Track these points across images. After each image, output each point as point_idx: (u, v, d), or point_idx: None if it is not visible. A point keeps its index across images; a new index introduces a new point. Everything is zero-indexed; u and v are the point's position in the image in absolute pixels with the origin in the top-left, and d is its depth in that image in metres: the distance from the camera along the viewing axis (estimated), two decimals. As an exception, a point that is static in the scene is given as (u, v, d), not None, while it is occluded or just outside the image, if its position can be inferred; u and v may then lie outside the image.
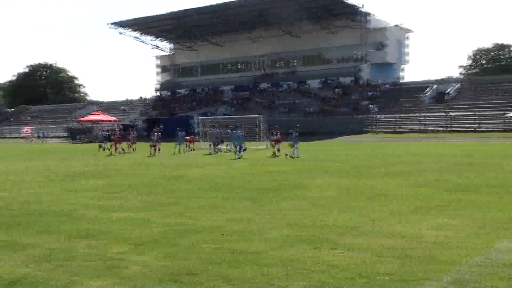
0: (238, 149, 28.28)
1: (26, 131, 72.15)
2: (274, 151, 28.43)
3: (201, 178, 18.12)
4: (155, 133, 32.63)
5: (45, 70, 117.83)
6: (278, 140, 28.37)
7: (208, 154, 31.49)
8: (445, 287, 6.08)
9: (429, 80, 62.66)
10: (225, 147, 33.79)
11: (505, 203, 11.34)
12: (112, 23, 75.26)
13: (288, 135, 27.72)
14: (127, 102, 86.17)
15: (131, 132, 37.78)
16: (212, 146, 33.32)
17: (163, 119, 64.83)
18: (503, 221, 9.50)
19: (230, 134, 29.83)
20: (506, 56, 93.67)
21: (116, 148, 34.47)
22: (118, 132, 37.46)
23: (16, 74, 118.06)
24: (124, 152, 34.07)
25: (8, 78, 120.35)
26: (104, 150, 36.33)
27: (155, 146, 32.21)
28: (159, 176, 18.94)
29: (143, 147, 37.09)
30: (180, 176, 18.97)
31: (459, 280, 6.25)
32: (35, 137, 67.01)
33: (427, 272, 6.61)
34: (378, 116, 53.93)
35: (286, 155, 26.79)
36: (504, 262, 6.90)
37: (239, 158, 27.10)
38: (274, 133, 29.06)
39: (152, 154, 31.35)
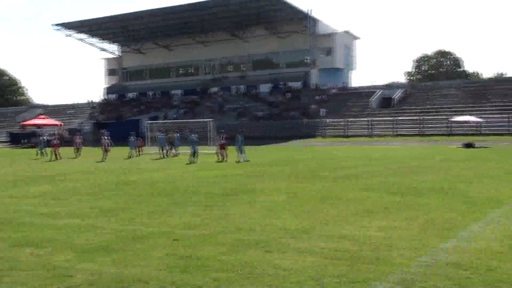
0: (192, 153, 28.07)
1: None
2: (218, 155, 28.00)
3: (151, 183, 17.89)
4: (106, 137, 31.98)
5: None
6: (224, 145, 27.91)
7: (157, 159, 31.11)
8: (392, 287, 6.24)
9: (376, 85, 64.29)
10: (174, 151, 33.52)
11: (447, 205, 11.75)
12: (57, 25, 73.25)
13: (235, 139, 27.73)
14: (73, 106, 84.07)
15: (77, 136, 36.65)
16: (161, 151, 33.01)
17: (111, 123, 63.72)
18: (445, 222, 9.84)
19: (189, 138, 29.40)
20: (448, 62, 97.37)
21: (55, 154, 33.18)
22: (57, 137, 35.87)
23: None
24: (60, 159, 32.53)
25: None
26: (42, 155, 35.03)
27: (106, 150, 31.63)
28: (107, 182, 18.57)
29: (90, 152, 36.35)
30: (129, 181, 18.66)
31: (405, 280, 6.43)
32: None
33: (375, 273, 6.76)
34: (327, 120, 54.83)
35: (236, 161, 26.63)
36: (448, 262, 7.15)
37: (193, 162, 26.94)
38: (221, 137, 28.70)
39: (104, 159, 30.68)
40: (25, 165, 28.05)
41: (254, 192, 14.73)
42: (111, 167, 25.49)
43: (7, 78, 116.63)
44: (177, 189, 15.89)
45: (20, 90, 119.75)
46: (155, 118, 59.36)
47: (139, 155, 33.86)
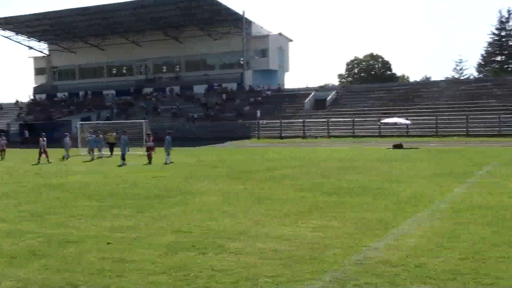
0: (122, 155, 27.45)
1: None
2: (147, 158, 27.05)
3: (81, 185, 17.38)
4: (43, 139, 30.31)
5: None
6: (151, 147, 27.12)
7: (88, 161, 30.24)
8: (326, 286, 6.38)
9: (310, 87, 65.57)
10: (97, 153, 32.70)
11: (379, 204, 12.16)
12: (-20, 21, 69.72)
13: (164, 140, 27.39)
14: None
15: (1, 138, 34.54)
16: (91, 152, 32.22)
17: (40, 124, 61.31)
18: (377, 221, 10.17)
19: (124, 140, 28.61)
20: (379, 65, 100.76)
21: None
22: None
23: None
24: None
25: None
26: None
27: (44, 152, 30.00)
28: (36, 185, 17.87)
29: (15, 154, 34.87)
30: (58, 184, 18.05)
31: (338, 279, 6.59)
32: None
33: (309, 272, 6.89)
34: (262, 121, 55.30)
35: (164, 163, 26.18)
36: (378, 260, 7.39)
37: (123, 165, 26.33)
38: (148, 139, 27.94)
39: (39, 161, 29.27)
40: None
41: (188, 194, 14.63)
42: (39, 169, 24.56)
43: None
44: (109, 192, 15.53)
45: None
46: (87, 119, 57.77)
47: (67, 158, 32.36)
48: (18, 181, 19.14)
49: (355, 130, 50.33)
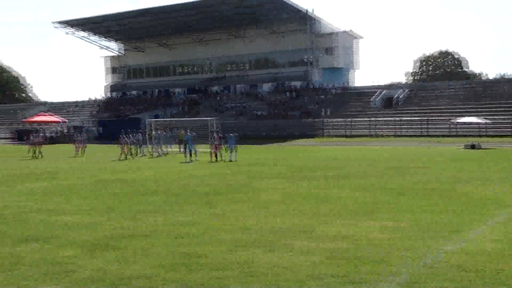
0: (189, 152, 28.09)
1: None
2: (211, 156, 27.12)
3: (149, 181, 17.94)
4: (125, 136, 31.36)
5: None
6: (218, 145, 27.22)
7: (157, 157, 31.15)
8: None
9: (378, 85, 64.26)
10: (162, 150, 33.44)
11: (449, 206, 11.75)
12: (58, 22, 73.23)
13: (226, 138, 27.65)
14: (76, 104, 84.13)
15: (79, 134, 36.22)
16: (160, 149, 33.06)
17: (111, 120, 63.76)
18: (448, 223, 9.86)
19: (185, 137, 29.25)
20: (450, 63, 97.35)
21: (35, 152, 32.23)
22: (39, 135, 34.88)
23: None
24: (41, 157, 31.52)
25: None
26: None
27: (124, 148, 31.10)
28: (105, 179, 18.62)
29: (90, 150, 36.33)
30: (127, 179, 18.72)
31: (407, 282, 6.46)
32: None
33: (377, 273, 6.80)
34: (328, 120, 54.83)
35: (227, 160, 26.51)
36: (450, 264, 7.17)
37: (191, 161, 26.95)
38: (215, 137, 28.13)
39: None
40: (24, 162, 28.09)
41: (253, 191, 14.78)
42: (108, 165, 25.53)
43: (10, 75, 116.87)
44: (176, 188, 15.94)
45: (22, 87, 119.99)
46: (156, 116, 59.39)
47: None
48: (86, 176, 19.98)
49: (426, 130, 48.88)
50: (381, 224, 9.83)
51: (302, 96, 63.95)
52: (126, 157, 29.87)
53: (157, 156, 31.62)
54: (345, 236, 8.91)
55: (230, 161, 26.28)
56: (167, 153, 33.33)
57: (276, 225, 9.90)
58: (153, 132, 34.14)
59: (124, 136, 30.93)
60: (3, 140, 65.91)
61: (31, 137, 33.87)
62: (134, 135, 33.42)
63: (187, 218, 10.75)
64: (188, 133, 29.48)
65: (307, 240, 8.66)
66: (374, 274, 6.78)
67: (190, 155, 27.99)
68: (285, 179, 17.91)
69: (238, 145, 27.85)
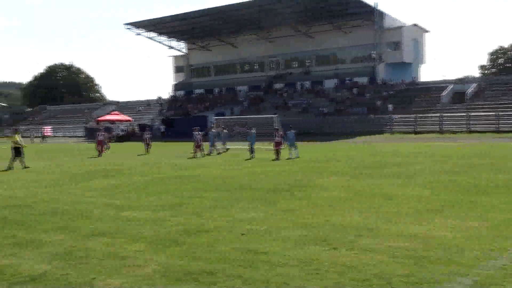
0: (250, 149, 28.25)
1: (46, 130, 72.64)
2: (275, 153, 26.89)
3: (212, 178, 18.16)
4: (198, 133, 31.80)
5: (62, 70, 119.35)
6: (280, 142, 27.00)
7: (219, 154, 31.58)
8: (464, 289, 6.03)
9: (447, 79, 62.16)
10: (220, 147, 33.71)
11: (523, 205, 11.20)
12: (128, 24, 75.89)
13: (285, 136, 27.46)
14: (143, 103, 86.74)
15: (145, 132, 37.14)
16: (221, 146, 33.39)
17: (178, 119, 65.22)
18: (521, 222, 9.39)
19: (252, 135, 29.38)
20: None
21: (100, 150, 33.00)
22: (103, 132, 35.13)
23: (36, 75, 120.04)
24: (106, 152, 32.29)
25: (30, 79, 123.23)
26: (107, 149, 35.64)
27: (198, 146, 31.74)
28: (170, 176, 19.01)
29: (157, 147, 37.23)
30: (190, 176, 19.04)
31: (480, 283, 6.18)
32: (41, 137, 65.78)
33: (446, 274, 6.55)
34: (395, 116, 53.61)
35: (288, 158, 26.39)
36: (524, 264, 6.82)
37: (251, 158, 27.14)
38: (277, 134, 27.78)
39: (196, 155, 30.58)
40: (93, 160, 29.20)
41: (315, 188, 14.65)
42: (172, 162, 26.07)
43: (83, 76, 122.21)
44: (238, 184, 16.05)
45: (95, 87, 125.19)
46: (221, 114, 60.18)
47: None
48: (152, 173, 20.49)
49: (500, 125, 46.73)
50: (449, 223, 9.48)
51: (368, 92, 62.88)
52: (196, 154, 30.05)
53: (218, 153, 32.01)
54: (411, 235, 8.65)
55: (290, 158, 26.19)
56: (227, 150, 33.55)
57: (339, 222, 9.77)
58: (214, 130, 34.49)
59: (199, 132, 31.10)
60: (77, 139, 69.03)
61: (97, 136, 34.60)
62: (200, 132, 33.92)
63: (249, 215, 10.79)
64: (253, 130, 29.64)
65: (371, 238, 8.48)
66: (442, 274, 6.54)
67: (252, 152, 28.18)
68: (349, 176, 17.64)
69: (297, 142, 27.61)
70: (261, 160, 25.79)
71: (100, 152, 32.73)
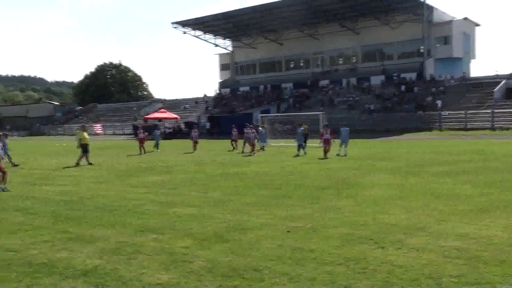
0: (298, 146, 28.12)
1: (98, 128, 74.56)
2: (323, 151, 26.14)
3: (257, 175, 18.20)
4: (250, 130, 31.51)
5: (112, 69, 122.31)
6: (328, 140, 26.13)
7: (258, 150, 31.62)
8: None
9: (500, 74, 60.15)
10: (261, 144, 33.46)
11: None
12: (175, 23, 76.98)
13: (339, 133, 27.11)
14: (190, 100, 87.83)
15: (192, 130, 37.13)
16: (264, 143, 33.36)
17: (224, 116, 65.67)
18: None
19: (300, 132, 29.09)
20: None
21: (140, 148, 32.75)
22: (142, 130, 34.71)
23: (87, 74, 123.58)
24: (144, 153, 32.13)
25: (81, 78, 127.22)
26: (157, 148, 35.69)
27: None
28: (215, 174, 19.16)
29: (204, 145, 37.57)
30: (236, 173, 19.15)
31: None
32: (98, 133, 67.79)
33: (499, 275, 6.35)
34: (444, 112, 52.29)
35: (336, 154, 26.11)
36: None
37: (298, 155, 27.03)
38: (325, 132, 26.93)
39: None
40: (142, 157, 29.77)
41: (361, 186, 14.49)
42: (218, 159, 26.25)
43: (131, 74, 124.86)
44: (283, 182, 16.03)
45: (143, 85, 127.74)
46: (266, 111, 60.23)
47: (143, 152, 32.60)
48: (199, 170, 20.68)
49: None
50: (502, 223, 9.17)
51: (416, 89, 61.57)
52: (245, 150, 30.10)
53: (262, 150, 31.97)
54: (462, 234, 8.42)
55: (339, 154, 25.92)
56: (263, 149, 33.25)
57: (387, 221, 9.61)
58: (260, 128, 34.34)
59: (251, 130, 31.02)
60: (125, 136, 70.60)
61: (138, 133, 34.74)
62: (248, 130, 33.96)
63: (295, 212, 10.76)
64: (301, 128, 29.28)
65: (421, 237, 8.31)
66: (496, 275, 6.33)
67: (299, 149, 28.00)
68: (397, 174, 17.35)
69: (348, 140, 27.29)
70: (308, 158, 25.67)
71: (142, 150, 32.62)
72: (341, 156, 25.69)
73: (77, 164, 24.06)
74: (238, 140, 33.98)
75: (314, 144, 31.12)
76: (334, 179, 16.47)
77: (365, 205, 11.43)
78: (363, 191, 13.59)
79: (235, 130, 34.72)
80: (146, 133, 34.54)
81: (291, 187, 14.81)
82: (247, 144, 31.61)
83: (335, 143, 27.16)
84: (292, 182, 15.99)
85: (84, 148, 24.57)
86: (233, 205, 11.83)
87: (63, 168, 23.17)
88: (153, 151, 33.94)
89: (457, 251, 7.46)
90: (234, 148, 33.36)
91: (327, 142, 26.08)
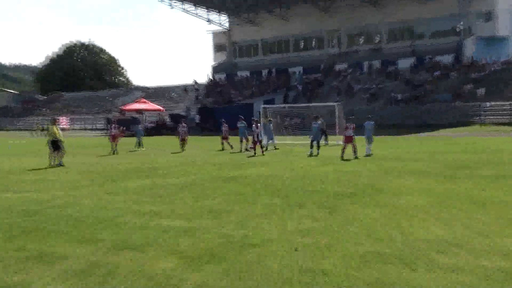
0: (312, 143, 27.97)
1: (64, 122, 74.66)
2: (343, 150, 25.94)
3: (261, 179, 18.21)
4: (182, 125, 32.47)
5: (81, 50, 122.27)
6: (350, 137, 25.98)
7: (273, 149, 31.60)
8: None
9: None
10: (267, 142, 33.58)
11: None
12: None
13: (362, 128, 27.03)
14: (177, 88, 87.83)
15: (180, 124, 36.66)
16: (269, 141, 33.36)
17: (219, 108, 65.62)
18: None
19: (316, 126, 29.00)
20: None
21: (113, 145, 32.62)
22: (115, 125, 34.43)
23: (49, 55, 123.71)
24: (117, 153, 31.88)
25: (42, 60, 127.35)
26: (139, 146, 36.19)
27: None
28: (211, 177, 19.16)
29: (195, 142, 37.58)
30: (235, 177, 19.16)
31: None
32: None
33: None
34: (487, 103, 52.28)
35: (365, 155, 26.04)
36: None
37: (312, 155, 27.01)
38: (348, 127, 26.62)
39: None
40: (121, 157, 29.77)
41: (388, 193, 14.50)
42: (214, 160, 26.27)
43: (106, 57, 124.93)
44: (294, 187, 16.04)
45: (118, 70, 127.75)
46: (271, 101, 60.18)
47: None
48: (191, 173, 20.69)
49: None
50: (558, 239, 9.16)
51: (452, 74, 61.52)
52: (254, 151, 30.16)
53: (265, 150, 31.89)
54: (508, 251, 8.41)
55: (368, 155, 25.91)
56: (275, 148, 33.32)
57: (417, 236, 9.60)
58: (263, 123, 34.25)
59: (258, 123, 31.07)
60: (98, 132, 70.56)
61: (110, 128, 34.63)
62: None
63: (306, 225, 10.74)
64: (319, 122, 29.11)
65: (459, 256, 8.30)
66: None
67: (312, 146, 27.83)
68: (430, 178, 17.35)
69: (364, 137, 27.19)
70: (324, 158, 25.66)
71: (113, 149, 32.51)
72: (367, 156, 25.61)
73: (50, 165, 24.20)
74: (230, 137, 34.10)
75: (331, 142, 31.11)
76: (356, 184, 16.46)
77: (392, 216, 11.42)
78: (390, 199, 13.58)
79: (226, 125, 34.71)
80: (122, 128, 34.43)
81: (302, 194, 14.79)
82: (245, 141, 31.78)
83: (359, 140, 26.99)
84: (305, 187, 15.99)
85: (55, 146, 24.60)
86: (231, 216, 11.82)
87: (28, 170, 23.17)
88: (136, 150, 33.99)
89: (501, 272, 7.45)
90: (224, 148, 33.47)
91: (349, 139, 25.86)
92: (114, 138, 33.03)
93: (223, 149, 33.19)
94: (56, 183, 18.63)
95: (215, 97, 76.33)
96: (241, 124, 33.20)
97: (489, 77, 58.41)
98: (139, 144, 36.17)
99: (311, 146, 27.96)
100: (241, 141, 32.83)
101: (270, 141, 33.38)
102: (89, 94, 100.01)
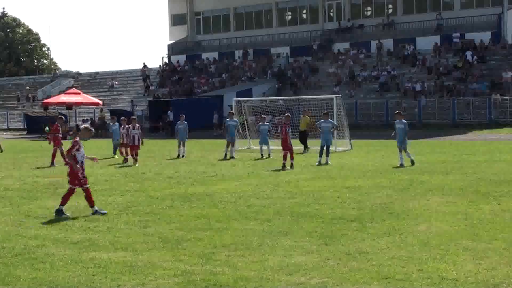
0: (321, 149, 28.11)
1: None
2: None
3: (233, 198, 18.26)
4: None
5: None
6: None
7: (256, 159, 31.63)
8: None
9: None
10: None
11: None
12: None
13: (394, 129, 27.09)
14: (120, 74, 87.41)
15: (126, 126, 34.23)
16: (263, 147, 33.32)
17: (177, 101, 65.30)
18: None
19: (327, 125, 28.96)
20: None
21: (52, 155, 31.25)
22: (57, 126, 32.98)
23: None
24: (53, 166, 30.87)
25: None
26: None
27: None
28: (165, 195, 19.15)
29: (145, 146, 37.52)
30: (197, 194, 19.21)
31: None
32: None
33: None
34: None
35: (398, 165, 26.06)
36: None
37: (321, 163, 27.20)
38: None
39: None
40: (48, 169, 29.54)
41: (404, 216, 14.62)
42: (169, 171, 26.21)
43: (23, 31, 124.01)
44: (277, 209, 16.08)
45: (42, 49, 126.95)
46: (246, 93, 60.11)
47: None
48: (144, 189, 20.66)
49: None
50: None
51: (490, 58, 62.03)
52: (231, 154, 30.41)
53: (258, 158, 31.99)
54: None
55: (401, 165, 25.96)
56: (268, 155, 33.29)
57: (444, 274, 9.64)
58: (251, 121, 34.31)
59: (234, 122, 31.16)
60: (12, 132, 69.82)
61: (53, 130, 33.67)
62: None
63: (293, 259, 10.74)
64: (329, 120, 29.16)
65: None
66: None
67: (321, 154, 28.01)
68: (463, 196, 17.52)
69: (371, 140, 27.37)
70: (318, 170, 25.76)
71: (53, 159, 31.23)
72: (404, 166, 25.69)
73: None
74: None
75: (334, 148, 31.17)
76: (361, 205, 16.52)
77: (410, 247, 11.47)
78: (407, 224, 13.68)
79: (183, 123, 34.10)
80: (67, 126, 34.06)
81: (289, 217, 14.83)
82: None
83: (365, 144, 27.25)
84: (292, 209, 16.01)
85: None
86: (195, 248, 11.79)
87: None
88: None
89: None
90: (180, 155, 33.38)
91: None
92: (57, 141, 31.79)
93: (179, 156, 33.01)
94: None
95: (172, 86, 76.00)
96: (231, 121, 33.18)
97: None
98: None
99: (321, 154, 27.94)
100: (231, 144, 32.78)
101: (265, 147, 33.21)
102: (0, 81, 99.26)
